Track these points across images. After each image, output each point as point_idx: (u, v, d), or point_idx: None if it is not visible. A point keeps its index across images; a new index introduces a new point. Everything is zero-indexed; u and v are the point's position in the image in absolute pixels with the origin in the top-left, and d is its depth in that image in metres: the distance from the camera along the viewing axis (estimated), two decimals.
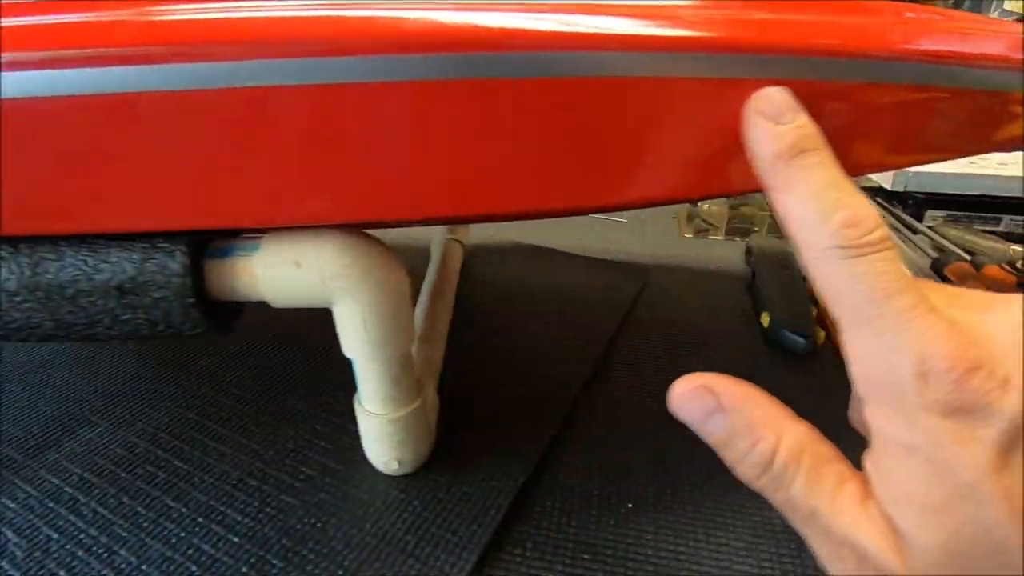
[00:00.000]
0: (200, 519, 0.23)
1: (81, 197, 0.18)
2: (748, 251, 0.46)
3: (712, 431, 0.15)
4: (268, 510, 0.24)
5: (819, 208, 0.13)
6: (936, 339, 0.12)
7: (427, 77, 0.16)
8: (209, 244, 0.20)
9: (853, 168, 0.22)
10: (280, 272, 0.19)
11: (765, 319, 0.37)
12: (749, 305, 0.41)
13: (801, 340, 0.34)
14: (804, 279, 0.41)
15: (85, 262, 0.19)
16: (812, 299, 0.39)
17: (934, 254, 0.43)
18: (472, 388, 0.32)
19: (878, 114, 0.19)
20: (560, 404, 0.30)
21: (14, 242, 0.19)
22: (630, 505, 0.24)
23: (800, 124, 0.15)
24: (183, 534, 0.23)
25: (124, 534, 0.23)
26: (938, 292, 0.14)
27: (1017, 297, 0.13)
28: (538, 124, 0.17)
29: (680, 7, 0.18)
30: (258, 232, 0.20)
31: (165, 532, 0.23)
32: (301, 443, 0.27)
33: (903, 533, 0.12)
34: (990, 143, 0.23)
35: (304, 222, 0.19)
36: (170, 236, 0.19)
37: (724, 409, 0.14)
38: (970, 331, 0.12)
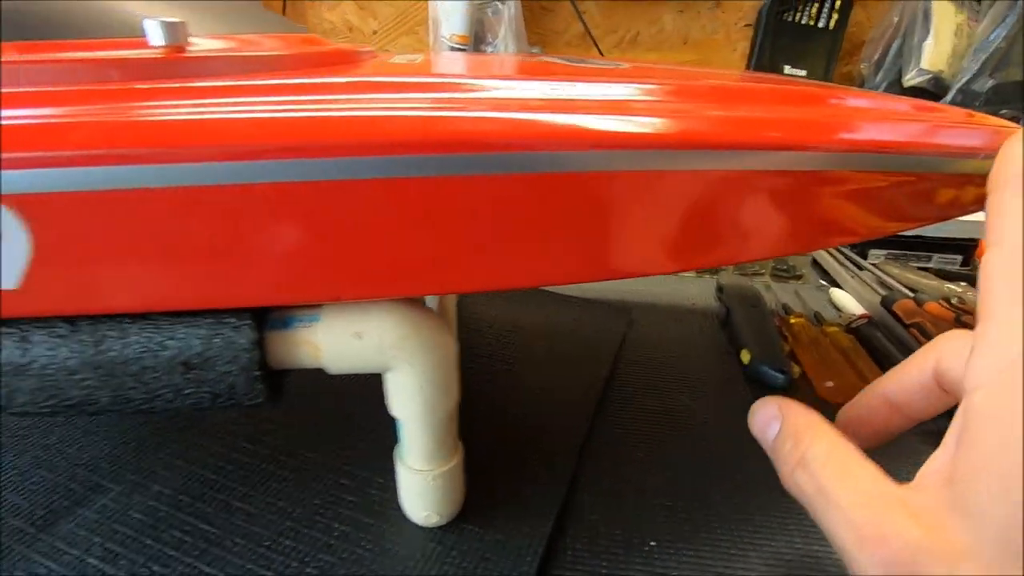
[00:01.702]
0: None
1: (151, 278, 0.18)
2: (719, 289, 0.50)
3: (768, 437, 0.19)
4: (309, 571, 0.24)
5: None
6: None
7: (445, 174, 0.18)
8: (268, 316, 0.21)
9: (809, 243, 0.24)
10: (342, 343, 0.20)
11: (745, 356, 0.40)
12: (725, 342, 0.45)
13: (780, 376, 0.38)
14: (773, 316, 0.45)
15: (151, 339, 0.19)
16: (782, 336, 0.43)
17: (881, 291, 0.48)
18: (484, 433, 0.33)
19: (832, 196, 0.22)
20: (571, 446, 0.32)
21: (72, 321, 0.19)
22: (652, 543, 0.26)
23: None
24: None
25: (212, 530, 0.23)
26: None
27: None
28: (525, 213, 0.19)
29: (641, 104, 0.20)
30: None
31: None
32: (329, 499, 0.28)
33: (965, 504, 0.13)
34: (936, 215, 0.26)
35: (367, 298, 0.20)
36: (235, 311, 0.20)
37: (778, 418, 0.18)
38: None
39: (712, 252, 0.22)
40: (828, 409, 0.23)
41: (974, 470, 0.13)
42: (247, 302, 0.20)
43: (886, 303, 0.46)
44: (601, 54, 0.73)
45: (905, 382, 0.20)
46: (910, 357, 0.20)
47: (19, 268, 0.17)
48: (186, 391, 0.20)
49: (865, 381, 0.36)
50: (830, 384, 0.37)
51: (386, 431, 0.30)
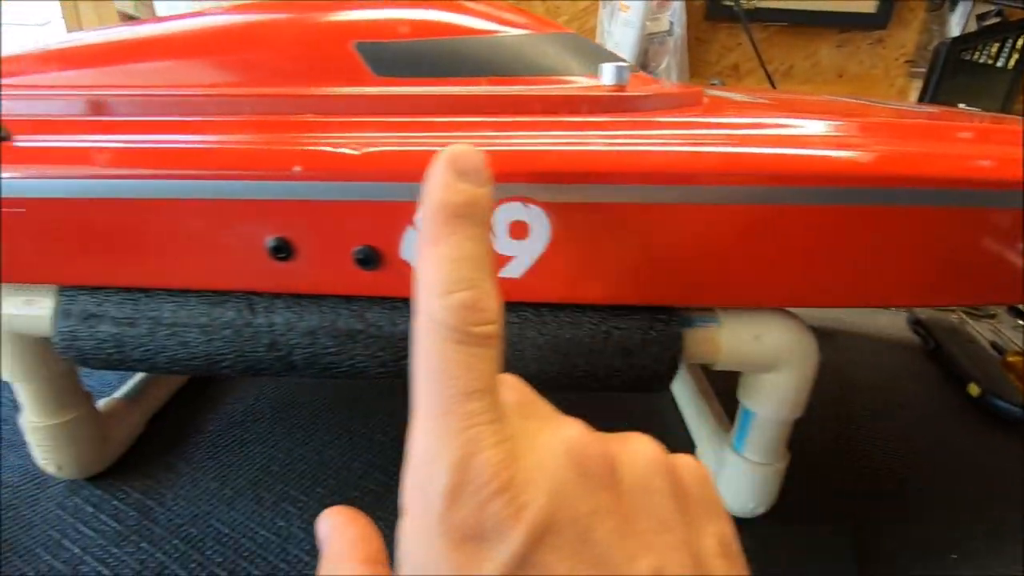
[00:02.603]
0: None
1: (611, 275, 0.22)
2: (918, 323, 0.51)
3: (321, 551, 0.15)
4: None
5: (449, 277, 0.12)
6: (484, 451, 0.11)
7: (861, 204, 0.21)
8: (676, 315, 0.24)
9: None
10: (743, 343, 0.23)
11: (974, 389, 0.41)
12: (935, 373, 0.45)
13: (1018, 409, 0.38)
14: (999, 352, 0.46)
15: (599, 327, 0.23)
16: (1008, 370, 0.44)
17: None
18: None
19: None
20: (836, 457, 0.34)
21: (536, 307, 0.23)
22: (954, 556, 0.28)
23: (480, 193, 0.13)
24: None
25: None
26: (521, 394, 0.13)
27: (577, 422, 0.13)
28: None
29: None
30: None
31: None
32: None
33: None
34: None
35: (765, 305, 0.24)
36: (663, 308, 0.23)
37: (326, 538, 0.14)
38: (520, 446, 0.11)
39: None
40: None
41: None
42: (669, 301, 0.23)
43: None
44: (773, 86, 0.75)
45: None
46: None
47: (528, 262, 0.21)
48: (617, 373, 0.23)
49: None
50: None
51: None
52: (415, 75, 0.24)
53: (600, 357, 0.23)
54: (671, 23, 0.79)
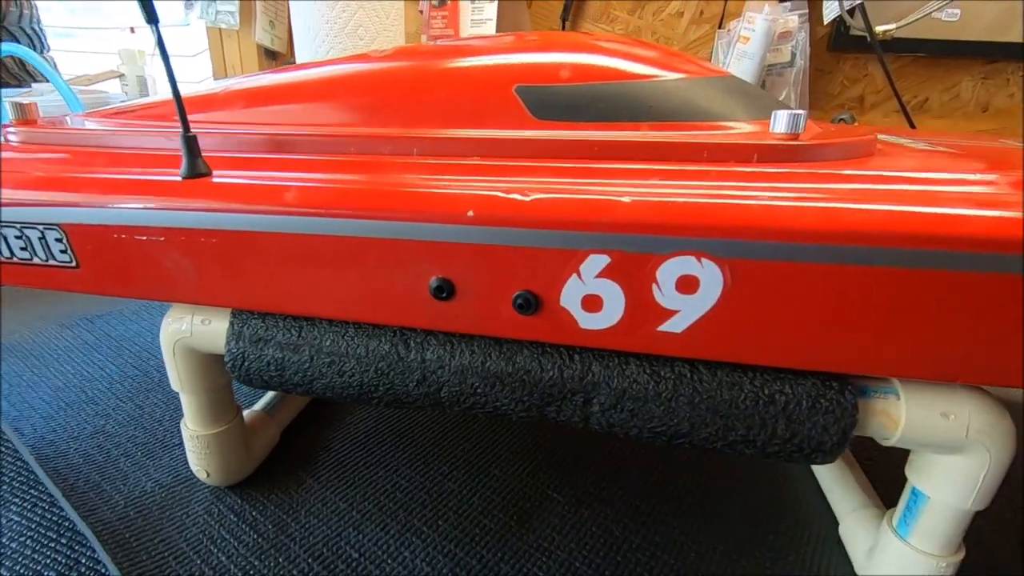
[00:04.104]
0: None
1: (774, 338, 0.21)
2: None
3: None
4: None
5: None
6: None
7: None
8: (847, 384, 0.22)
9: None
10: (927, 419, 0.21)
11: None
12: None
13: None
14: None
15: (760, 390, 0.21)
16: None
17: None
18: None
19: None
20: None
21: (692, 363, 0.22)
22: None
23: None
24: None
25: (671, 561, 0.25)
26: None
27: None
28: None
29: None
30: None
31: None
32: (758, 544, 0.29)
33: None
34: None
35: (953, 380, 0.21)
36: (832, 376, 0.21)
37: None
38: None
39: None
40: None
41: None
42: (842, 368, 0.21)
43: None
44: (910, 120, 0.70)
45: None
46: None
47: (692, 318, 0.20)
48: (777, 442, 0.22)
49: None
50: None
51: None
52: (575, 119, 0.24)
53: (761, 423, 0.21)
54: (793, 54, 0.76)
